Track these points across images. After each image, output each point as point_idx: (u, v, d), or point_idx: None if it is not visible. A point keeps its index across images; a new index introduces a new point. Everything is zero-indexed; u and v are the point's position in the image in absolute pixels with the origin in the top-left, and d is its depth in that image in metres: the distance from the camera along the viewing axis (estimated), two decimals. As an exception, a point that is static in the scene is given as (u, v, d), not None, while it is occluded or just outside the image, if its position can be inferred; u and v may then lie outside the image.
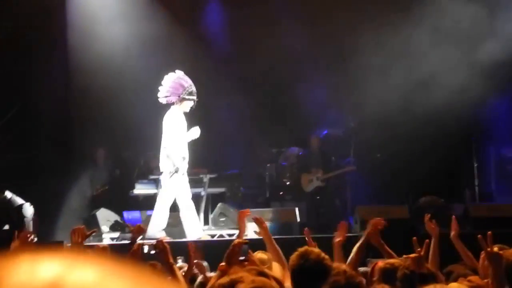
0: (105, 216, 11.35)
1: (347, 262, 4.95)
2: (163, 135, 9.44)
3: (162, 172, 9.58)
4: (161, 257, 4.32)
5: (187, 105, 9.41)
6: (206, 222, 11.27)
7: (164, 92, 9.40)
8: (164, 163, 9.42)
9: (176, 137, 9.34)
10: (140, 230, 4.52)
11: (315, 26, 12.84)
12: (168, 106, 9.56)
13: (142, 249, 4.40)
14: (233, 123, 12.85)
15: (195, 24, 13.33)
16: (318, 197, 11.68)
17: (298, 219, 10.21)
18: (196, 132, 9.51)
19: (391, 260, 4.55)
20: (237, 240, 4.32)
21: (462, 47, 12.46)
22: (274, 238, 9.33)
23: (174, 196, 9.55)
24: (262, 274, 3.92)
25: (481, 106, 12.66)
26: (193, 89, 9.39)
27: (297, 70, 12.72)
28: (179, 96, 9.30)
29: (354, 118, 12.49)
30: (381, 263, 4.47)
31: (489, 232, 3.84)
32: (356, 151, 12.05)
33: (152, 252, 4.38)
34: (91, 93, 12.67)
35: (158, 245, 4.34)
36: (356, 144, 12.11)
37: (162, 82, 9.42)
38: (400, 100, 12.35)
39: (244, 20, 12.96)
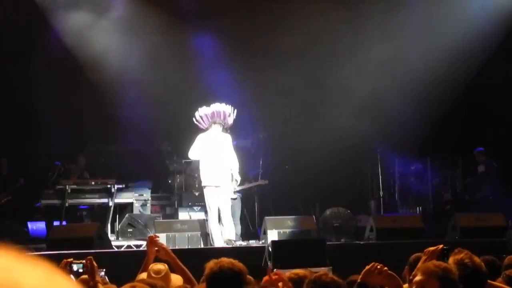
0: (9, 227, 11.00)
1: None
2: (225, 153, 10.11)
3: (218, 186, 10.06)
4: (88, 276, 4.36)
5: (216, 129, 10.27)
6: (112, 232, 11.14)
7: (198, 118, 10.33)
8: (225, 177, 10.11)
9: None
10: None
11: (229, 37, 12.93)
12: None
13: (71, 266, 4.40)
14: (142, 134, 12.76)
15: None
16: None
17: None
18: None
19: (297, 271, 4.63)
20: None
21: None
22: (183, 249, 9.36)
23: None
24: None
25: (387, 119, 13.01)
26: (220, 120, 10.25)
27: (207, 80, 12.73)
28: (208, 123, 10.30)
29: (263, 129, 12.59)
30: (288, 273, 4.52)
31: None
32: (265, 163, 12.15)
33: (81, 270, 4.40)
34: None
35: (87, 264, 4.39)
36: (265, 155, 12.20)
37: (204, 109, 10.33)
38: (307, 112, 12.53)
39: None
